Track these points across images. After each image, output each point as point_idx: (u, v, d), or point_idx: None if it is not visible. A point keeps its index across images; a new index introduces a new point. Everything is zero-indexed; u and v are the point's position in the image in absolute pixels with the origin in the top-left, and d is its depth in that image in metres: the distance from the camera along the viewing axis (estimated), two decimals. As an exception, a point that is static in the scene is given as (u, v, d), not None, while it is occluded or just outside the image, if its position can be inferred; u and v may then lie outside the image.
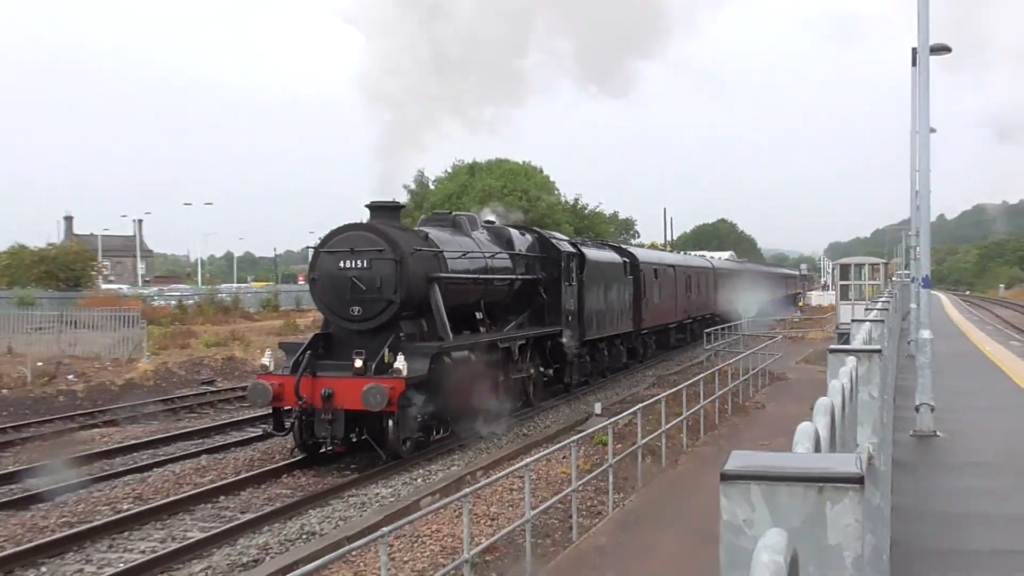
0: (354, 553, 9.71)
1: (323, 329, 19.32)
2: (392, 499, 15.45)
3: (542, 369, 24.80)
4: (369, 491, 15.90)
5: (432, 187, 74.43)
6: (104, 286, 68.62)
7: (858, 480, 1.72)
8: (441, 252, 19.82)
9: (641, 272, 33.38)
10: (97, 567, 12.19)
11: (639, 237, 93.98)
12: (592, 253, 28.90)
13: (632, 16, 26.02)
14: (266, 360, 18.45)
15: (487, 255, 22.38)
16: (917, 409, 15.41)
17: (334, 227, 18.78)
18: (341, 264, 18.04)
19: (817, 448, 2.44)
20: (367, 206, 19.24)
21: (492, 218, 25.97)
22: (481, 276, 21.80)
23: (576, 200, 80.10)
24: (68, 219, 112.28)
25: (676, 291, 40.20)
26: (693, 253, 71.14)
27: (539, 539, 11.86)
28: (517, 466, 12.80)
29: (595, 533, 12.49)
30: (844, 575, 1.75)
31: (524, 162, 74.74)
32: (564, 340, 25.17)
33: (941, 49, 24.47)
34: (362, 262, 17.89)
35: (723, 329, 42.80)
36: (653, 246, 76.32)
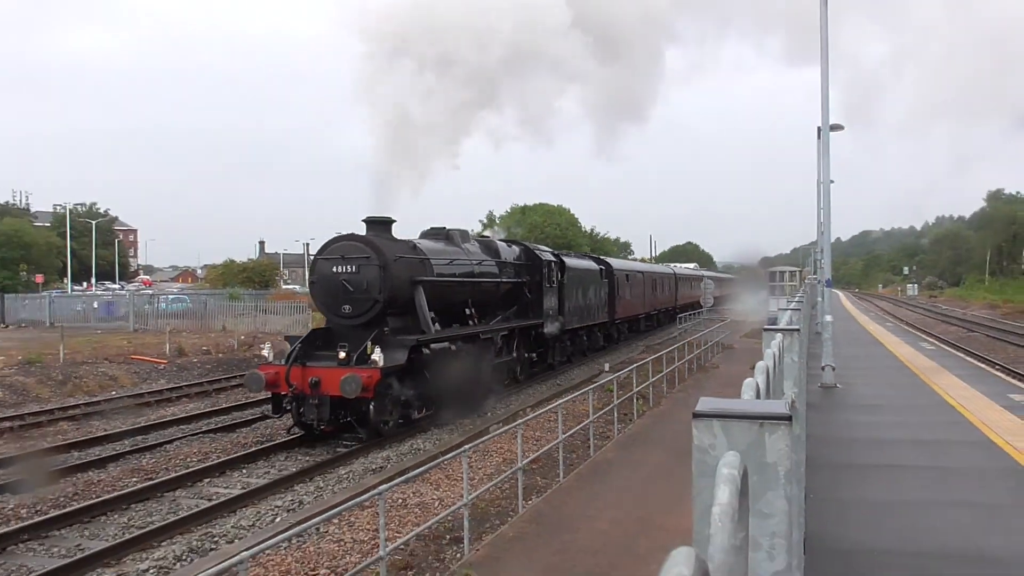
0: (445, 462, 9.71)
1: (326, 324, 15.89)
2: (471, 426, 15.47)
3: (528, 353, 21.48)
4: (456, 421, 15.92)
5: (497, 222, 74.64)
6: (284, 287, 69.46)
7: (787, 418, 1.71)
8: (427, 259, 16.41)
9: (615, 276, 30.13)
10: (278, 470, 12.31)
11: (634, 253, 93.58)
12: (572, 261, 25.45)
13: (631, 96, 24.07)
14: (266, 351, 15.46)
15: (474, 262, 18.86)
16: (823, 369, 15.23)
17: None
18: (334, 269, 14.93)
19: (758, 395, 2.39)
20: (363, 220, 15.93)
21: (488, 233, 21.99)
22: (467, 279, 18.20)
23: (592, 229, 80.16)
24: (261, 243, 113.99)
25: (644, 291, 36.38)
26: (670, 264, 70.15)
27: (568, 454, 11.81)
28: (552, 405, 12.75)
29: (605, 451, 12.42)
30: (778, 482, 1.73)
31: (558, 204, 74.77)
32: (545, 330, 21.84)
33: (837, 127, 24.13)
34: (352, 267, 14.82)
35: (689, 315, 42.52)
36: (643, 260, 75.74)
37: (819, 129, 20.20)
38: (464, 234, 19.63)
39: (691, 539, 1.54)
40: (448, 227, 19.05)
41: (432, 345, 15.14)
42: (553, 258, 23.14)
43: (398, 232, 16.76)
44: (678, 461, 10.82)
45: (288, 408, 14.12)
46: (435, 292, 16.35)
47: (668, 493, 9.51)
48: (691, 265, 72.86)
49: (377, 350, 13.56)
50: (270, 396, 14.72)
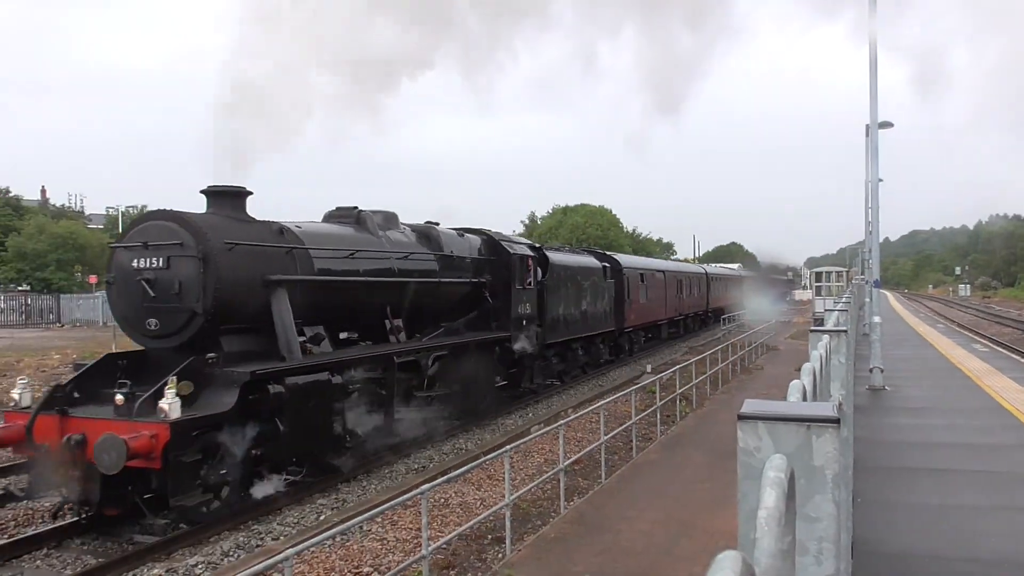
0: (487, 462, 9.73)
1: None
2: (513, 427, 15.48)
3: (495, 377, 16.62)
4: (498, 421, 15.95)
5: (539, 222, 74.68)
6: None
7: (835, 421, 1.68)
8: (300, 249, 11.23)
9: (624, 276, 25.14)
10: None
11: (676, 254, 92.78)
12: (558, 257, 20.43)
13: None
14: (17, 392, 9.49)
15: (396, 256, 13.56)
16: (871, 371, 14.95)
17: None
18: (135, 263, 9.99)
19: (804, 397, 2.36)
20: (203, 192, 10.94)
21: (438, 220, 16.64)
22: (380, 279, 12.99)
23: (634, 229, 79.75)
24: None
25: (666, 293, 31.12)
26: (715, 265, 69.06)
27: (610, 456, 11.77)
28: (595, 406, 12.71)
29: (648, 452, 12.34)
30: (825, 486, 1.71)
31: (599, 205, 74.54)
32: (515, 345, 16.75)
33: (886, 124, 23.66)
34: (158, 260, 9.88)
35: (734, 316, 42.05)
36: (686, 261, 75.13)
37: (867, 127, 19.86)
38: (389, 218, 14.39)
39: (736, 542, 1.52)
40: (363, 208, 13.76)
41: (290, 379, 10.08)
42: (529, 252, 18.24)
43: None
44: (722, 463, 10.71)
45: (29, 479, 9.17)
46: (317, 297, 11.50)
47: (712, 495, 9.42)
48: (735, 266, 72.08)
49: (171, 393, 8.56)
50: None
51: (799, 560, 1.69)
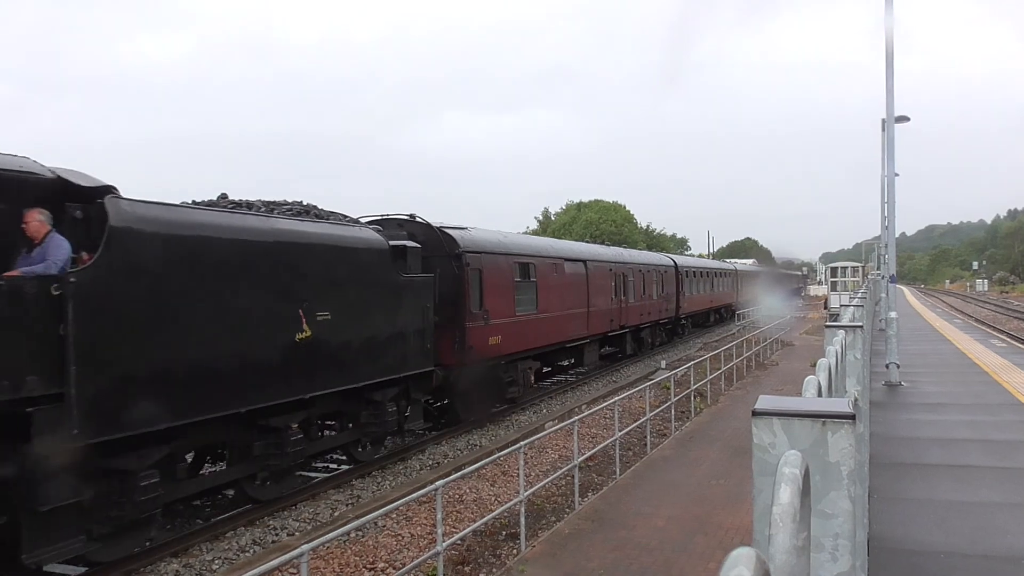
0: (501, 458, 9.75)
1: None
2: (527, 423, 15.48)
3: None
4: (512, 417, 15.94)
5: (553, 218, 74.63)
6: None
7: (850, 417, 1.67)
8: None
9: (467, 267, 14.13)
10: (338, 465, 12.44)
11: (691, 249, 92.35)
12: (170, 216, 8.05)
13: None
14: None
15: None
16: (887, 366, 14.87)
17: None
18: None
19: (820, 393, 2.35)
20: None
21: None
22: None
23: (648, 225, 79.54)
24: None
25: (588, 296, 20.18)
26: (729, 261, 68.44)
27: (624, 452, 11.75)
28: (609, 402, 12.70)
29: (662, 448, 12.32)
30: (841, 483, 1.70)
31: (613, 201, 74.34)
32: None
33: (903, 119, 23.48)
34: None
35: (746, 313, 41.85)
36: (700, 256, 74.73)
37: (883, 121, 19.70)
38: None
39: (751, 539, 1.52)
40: None
41: None
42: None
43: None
44: (736, 459, 10.69)
45: None
46: None
47: (726, 491, 9.40)
48: (750, 261, 71.72)
49: None
50: None
51: (814, 557, 1.69)
